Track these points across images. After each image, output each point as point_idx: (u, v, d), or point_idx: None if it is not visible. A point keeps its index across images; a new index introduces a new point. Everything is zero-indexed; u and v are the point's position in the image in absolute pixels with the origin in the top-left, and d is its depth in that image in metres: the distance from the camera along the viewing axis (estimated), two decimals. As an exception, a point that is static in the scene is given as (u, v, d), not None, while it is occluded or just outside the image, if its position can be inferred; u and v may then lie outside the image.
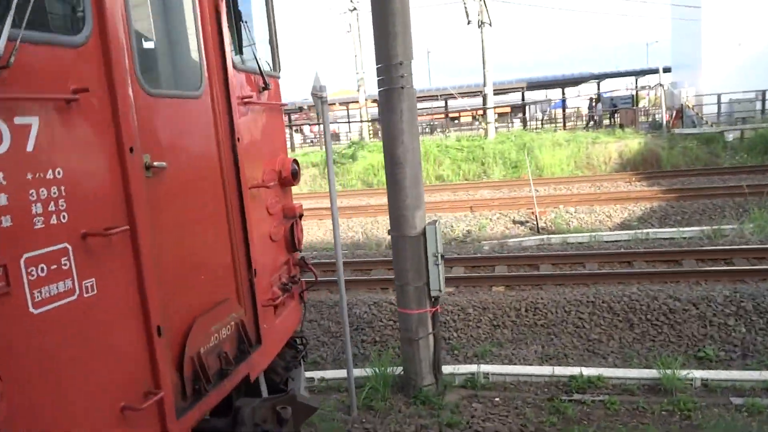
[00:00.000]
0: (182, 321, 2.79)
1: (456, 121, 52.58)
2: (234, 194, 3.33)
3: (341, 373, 7.25)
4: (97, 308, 2.26)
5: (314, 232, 16.68)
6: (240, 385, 3.43)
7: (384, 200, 18.99)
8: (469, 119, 50.47)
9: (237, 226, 3.35)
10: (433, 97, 37.81)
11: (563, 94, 36.76)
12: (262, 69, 3.72)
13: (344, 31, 38.81)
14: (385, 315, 8.58)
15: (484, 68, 26.83)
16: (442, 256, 6.44)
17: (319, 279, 4.76)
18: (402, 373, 6.81)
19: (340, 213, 17.56)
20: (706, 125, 26.11)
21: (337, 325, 8.72)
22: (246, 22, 3.59)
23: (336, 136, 42.46)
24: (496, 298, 8.63)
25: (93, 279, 2.24)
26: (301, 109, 39.69)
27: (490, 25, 25.88)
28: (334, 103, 38.10)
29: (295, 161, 4.20)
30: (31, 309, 1.98)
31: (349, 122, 37.80)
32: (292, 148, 36.06)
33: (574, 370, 6.72)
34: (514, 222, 15.35)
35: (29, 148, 1.99)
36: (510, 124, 44.19)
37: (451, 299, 8.75)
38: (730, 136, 23.12)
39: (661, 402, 6.06)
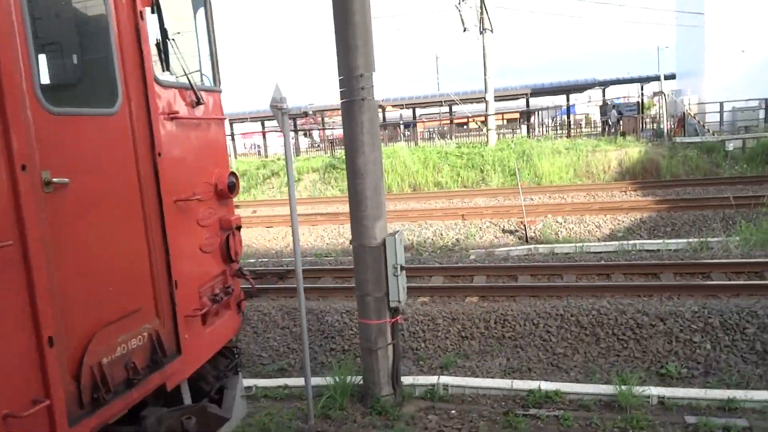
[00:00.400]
0: (83, 331, 2.87)
1: (465, 127, 52.60)
2: (154, 208, 3.41)
3: (297, 382, 7.31)
4: (-22, 321, 2.34)
5: (305, 237, 16.78)
6: (161, 394, 3.51)
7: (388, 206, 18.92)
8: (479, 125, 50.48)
9: (156, 239, 3.43)
10: (437, 103, 37.89)
11: (567, 100, 36.67)
12: (193, 84, 3.80)
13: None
14: (356, 324, 8.62)
15: (485, 75, 26.85)
16: (402, 267, 6.49)
17: (258, 288, 4.82)
18: (362, 382, 6.87)
19: (338, 218, 17.65)
20: (707, 134, 25.94)
21: (308, 332, 8.77)
22: (173, 40, 3.67)
23: (339, 141, 42.68)
24: (467, 309, 8.66)
25: (-24, 292, 2.33)
26: (306, 114, 39.95)
27: (492, 31, 25.91)
28: (336, 109, 38.32)
29: (233, 174, 4.29)
30: None
31: (322, 128, 38.03)
32: (297, 153, 36.25)
33: (533, 384, 6.74)
34: (504, 231, 15.36)
35: None
36: (518, 131, 44.13)
37: (422, 309, 8.80)
38: (730, 146, 22.95)
39: (615, 419, 6.06)
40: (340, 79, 6.33)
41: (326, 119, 44.90)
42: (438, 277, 10.59)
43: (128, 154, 3.25)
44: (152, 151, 3.38)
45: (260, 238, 17.25)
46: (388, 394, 6.70)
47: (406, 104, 38.51)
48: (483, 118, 28.24)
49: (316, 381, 7.17)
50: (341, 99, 6.39)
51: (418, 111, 43.56)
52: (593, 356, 7.57)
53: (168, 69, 3.65)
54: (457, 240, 15.13)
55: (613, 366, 7.34)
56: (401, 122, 39.10)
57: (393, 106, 40.17)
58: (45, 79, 2.75)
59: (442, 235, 15.52)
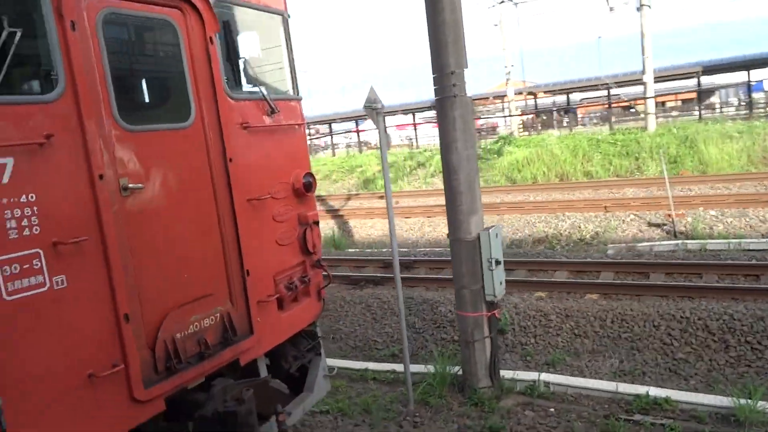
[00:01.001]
0: (157, 311, 3.45)
1: (632, 110, 48.98)
2: (226, 206, 3.93)
3: (412, 368, 7.61)
4: (67, 299, 2.98)
5: (436, 228, 17.06)
6: (239, 367, 4.05)
7: (519, 197, 18.58)
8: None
9: (229, 234, 3.95)
10: (592, 87, 35.75)
11: (748, 77, 32.37)
12: (266, 96, 4.27)
13: (492, 24, 38.23)
14: (467, 315, 8.73)
15: (643, 54, 24.79)
16: (498, 262, 6.50)
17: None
18: (461, 373, 7.01)
19: (488, 208, 17.66)
20: None
21: (421, 321, 9.08)
22: (247, 58, 4.16)
23: (492, 130, 42.19)
24: (584, 306, 8.34)
25: (64, 275, 2.97)
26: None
27: (650, 7, 23.82)
28: (488, 98, 37.92)
29: (310, 174, 4.71)
30: (4, 297, 2.74)
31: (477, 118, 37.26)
32: (388, 147, 36.51)
33: (641, 389, 6.35)
34: (650, 224, 14.26)
35: (4, 180, 2.75)
36: (693, 112, 39.92)
37: (536, 304, 8.63)
38: None
39: (729, 434, 5.55)
40: (433, 77, 6.49)
41: (480, 108, 44.64)
42: (562, 272, 10.25)
43: (202, 160, 3.79)
44: (224, 158, 3.90)
45: (397, 229, 17.83)
46: (486, 386, 6.76)
47: (558, 89, 36.90)
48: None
49: (420, 369, 7.46)
50: (435, 96, 6.54)
51: (578, 96, 41.54)
52: (719, 365, 6.90)
53: (240, 84, 4.15)
54: (596, 233, 14.37)
55: (741, 377, 6.64)
56: (554, 108, 37.53)
57: (545, 92, 38.73)
58: (124, 102, 3.34)
59: (580, 227, 14.84)
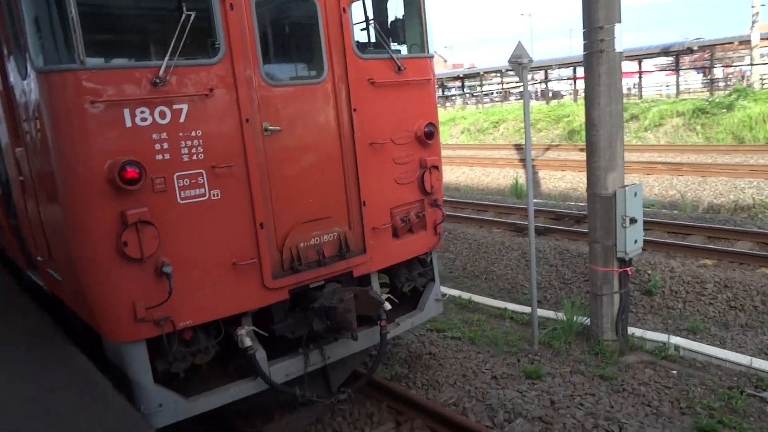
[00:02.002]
0: (285, 223, 4.55)
1: None
2: (349, 148, 4.85)
3: (542, 312, 8.01)
4: (220, 206, 4.20)
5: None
6: (361, 279, 5.05)
7: (737, 159, 16.58)
8: None
9: (350, 170, 4.88)
10: None
11: None
12: (392, 55, 5.01)
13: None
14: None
15: None
16: (633, 220, 6.52)
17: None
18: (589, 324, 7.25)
19: (680, 168, 16.37)
20: None
21: (572, 273, 9.26)
22: (378, 23, 4.93)
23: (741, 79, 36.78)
24: (749, 278, 7.77)
25: (218, 189, 4.18)
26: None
27: None
28: (732, 42, 32.93)
29: (431, 124, 5.38)
30: (179, 201, 4.03)
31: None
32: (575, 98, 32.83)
33: (778, 367, 6.01)
34: None
35: (182, 120, 3.99)
36: None
37: (695, 271, 8.25)
38: None
39: None
40: (583, 32, 6.54)
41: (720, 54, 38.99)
42: (745, 242, 9.43)
43: (331, 110, 4.73)
44: (349, 108, 4.78)
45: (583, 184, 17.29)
46: (610, 339, 6.93)
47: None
48: None
49: (554, 315, 7.82)
50: (583, 51, 6.60)
51: None
52: None
53: (369, 46, 4.95)
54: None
55: None
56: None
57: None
58: (268, 63, 4.37)
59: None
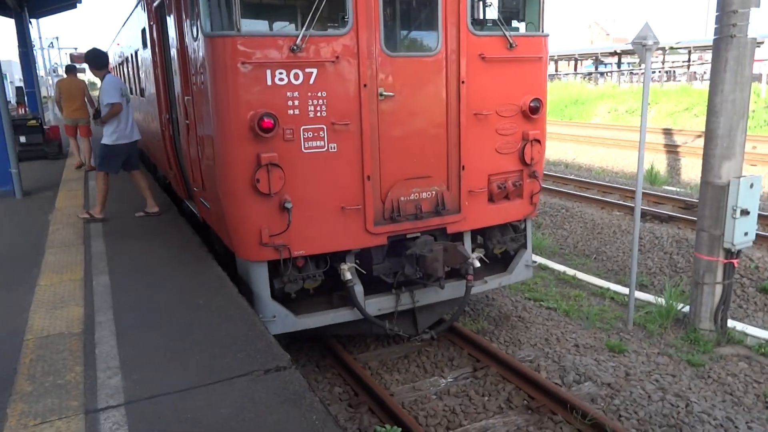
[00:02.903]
0: (390, 177, 5.22)
1: None
2: (455, 116, 5.37)
3: (645, 297, 8.04)
4: (335, 158, 4.96)
5: None
6: (455, 236, 5.64)
7: None
8: None
9: (453, 136, 5.41)
10: None
11: None
12: (505, 33, 5.41)
13: None
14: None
15: None
16: (745, 212, 6.39)
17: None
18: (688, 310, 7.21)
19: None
20: None
21: (686, 262, 9.04)
22: (490, 5, 5.34)
23: None
24: None
25: (335, 143, 4.94)
26: None
27: None
28: None
29: (536, 99, 5.71)
30: (303, 150, 4.85)
31: None
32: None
33: None
34: None
35: (311, 82, 4.76)
36: None
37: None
38: None
39: None
40: (716, 15, 6.38)
41: None
42: None
43: (441, 80, 5.27)
44: (458, 80, 5.29)
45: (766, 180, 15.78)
46: (707, 329, 6.90)
47: None
48: None
49: (653, 300, 7.82)
50: (714, 34, 6.44)
51: None
52: None
53: (485, 23, 5.38)
54: None
55: None
56: None
57: None
58: (389, 35, 4.98)
59: None
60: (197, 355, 3.52)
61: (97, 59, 7.68)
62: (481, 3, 5.45)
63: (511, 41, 5.45)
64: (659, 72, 47.45)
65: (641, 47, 6.69)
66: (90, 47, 7.98)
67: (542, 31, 5.75)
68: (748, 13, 6.09)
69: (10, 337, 3.88)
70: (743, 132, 6.46)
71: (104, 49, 8.45)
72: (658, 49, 42.35)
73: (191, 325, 4.01)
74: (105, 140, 7.34)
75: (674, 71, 46.69)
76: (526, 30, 5.77)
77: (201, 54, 4.91)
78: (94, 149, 11.28)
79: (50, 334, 3.90)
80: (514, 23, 5.79)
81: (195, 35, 5.05)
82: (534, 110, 5.72)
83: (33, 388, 3.20)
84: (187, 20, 5.34)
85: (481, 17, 5.54)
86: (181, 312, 4.28)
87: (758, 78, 31.74)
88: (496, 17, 5.43)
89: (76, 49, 38.20)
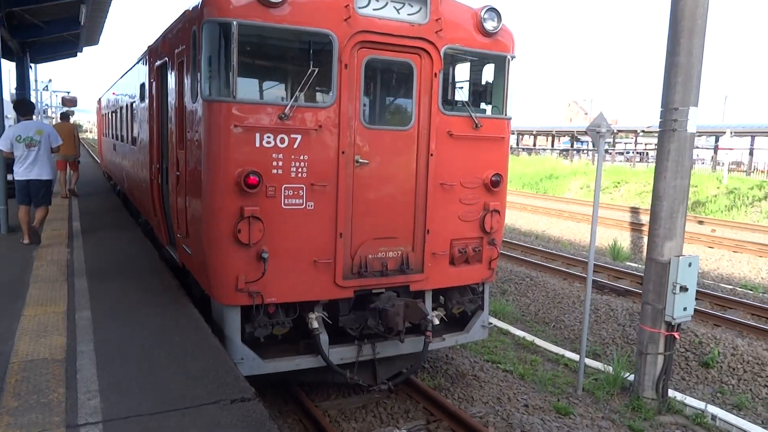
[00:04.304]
0: (359, 236, 5.73)
1: None
2: (422, 184, 5.96)
3: (596, 365, 8.50)
4: (312, 215, 5.47)
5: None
6: (416, 294, 6.11)
7: None
8: None
9: (420, 202, 5.98)
10: None
11: None
12: (471, 114, 6.08)
13: None
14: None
15: None
16: (684, 288, 6.98)
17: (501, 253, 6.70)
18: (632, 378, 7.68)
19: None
20: None
21: (636, 333, 9.56)
22: (461, 88, 6.04)
23: None
24: (814, 370, 7.77)
25: (313, 202, 5.46)
26: None
27: None
28: None
29: (498, 174, 6.34)
30: (283, 206, 5.35)
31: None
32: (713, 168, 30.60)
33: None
34: None
35: (295, 146, 5.33)
36: None
37: (758, 353, 8.32)
38: None
39: None
40: (660, 110, 7.19)
41: None
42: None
43: (412, 152, 5.88)
44: (427, 152, 5.91)
45: (722, 261, 16.58)
46: (650, 398, 7.35)
47: None
48: None
49: (602, 368, 8.29)
50: (658, 127, 7.23)
51: None
52: None
53: (453, 104, 6.06)
54: None
55: None
56: None
57: None
58: (368, 110, 5.61)
59: None
60: (171, 384, 3.88)
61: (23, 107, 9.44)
62: (451, 86, 6.14)
63: (476, 122, 6.12)
64: (632, 153, 49.70)
65: (595, 133, 7.46)
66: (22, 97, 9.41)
67: (506, 114, 6.44)
68: (688, 110, 6.90)
69: (-4, 360, 4.20)
70: (683, 215, 7.15)
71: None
72: (629, 131, 44.41)
73: (167, 358, 4.37)
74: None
75: (647, 152, 48.88)
76: (491, 112, 6.48)
77: (198, 114, 5.47)
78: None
79: (35, 359, 4.22)
80: (481, 105, 6.50)
81: (194, 97, 5.63)
82: (495, 184, 6.34)
83: (18, 404, 3.53)
84: (188, 82, 5.92)
85: (451, 98, 6.22)
86: (159, 347, 4.64)
87: (721, 165, 33.64)
88: (465, 100, 6.13)
89: (68, 92, 39.05)
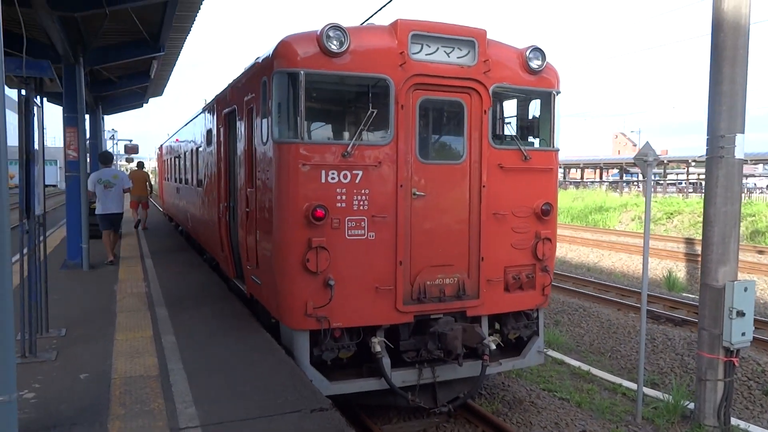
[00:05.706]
0: (418, 264, 6.09)
1: None
2: (476, 214, 6.31)
3: (655, 394, 8.47)
4: (373, 244, 5.89)
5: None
6: (473, 319, 6.39)
7: None
8: None
9: (475, 231, 6.32)
10: None
11: None
12: (521, 148, 6.44)
13: None
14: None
15: None
16: (741, 313, 7.01)
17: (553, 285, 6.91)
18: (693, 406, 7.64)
19: None
20: None
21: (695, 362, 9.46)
22: (509, 123, 6.44)
23: None
24: None
25: (374, 232, 5.89)
26: None
27: None
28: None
29: (548, 203, 6.63)
30: (347, 236, 5.80)
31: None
32: None
33: None
34: None
35: (357, 181, 5.80)
36: None
37: (827, 380, 8.14)
38: None
39: None
40: (707, 138, 7.36)
41: None
42: None
43: (465, 184, 6.27)
44: (479, 184, 6.28)
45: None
46: (711, 425, 7.30)
47: None
48: None
49: (662, 397, 8.25)
50: (705, 154, 7.39)
51: None
52: None
53: (503, 138, 6.45)
54: None
55: None
56: None
57: None
58: (422, 147, 6.07)
59: None
60: (255, 396, 4.29)
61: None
62: (500, 121, 6.54)
63: (525, 154, 6.48)
64: (684, 183, 48.62)
65: (643, 162, 7.67)
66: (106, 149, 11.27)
67: (553, 147, 6.78)
68: (734, 137, 7.06)
69: (100, 376, 4.72)
70: (736, 240, 7.22)
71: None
72: (681, 161, 43.49)
73: (249, 374, 4.81)
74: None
75: (700, 182, 47.74)
76: (539, 145, 6.82)
77: (269, 155, 6.02)
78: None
79: (132, 376, 4.72)
80: (530, 138, 6.86)
81: (264, 140, 6.20)
82: (545, 212, 6.63)
83: (125, 411, 3.99)
84: (257, 126, 6.52)
85: (500, 133, 6.61)
86: (240, 365, 5.09)
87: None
88: (513, 134, 6.51)
89: (131, 140, 41.47)
